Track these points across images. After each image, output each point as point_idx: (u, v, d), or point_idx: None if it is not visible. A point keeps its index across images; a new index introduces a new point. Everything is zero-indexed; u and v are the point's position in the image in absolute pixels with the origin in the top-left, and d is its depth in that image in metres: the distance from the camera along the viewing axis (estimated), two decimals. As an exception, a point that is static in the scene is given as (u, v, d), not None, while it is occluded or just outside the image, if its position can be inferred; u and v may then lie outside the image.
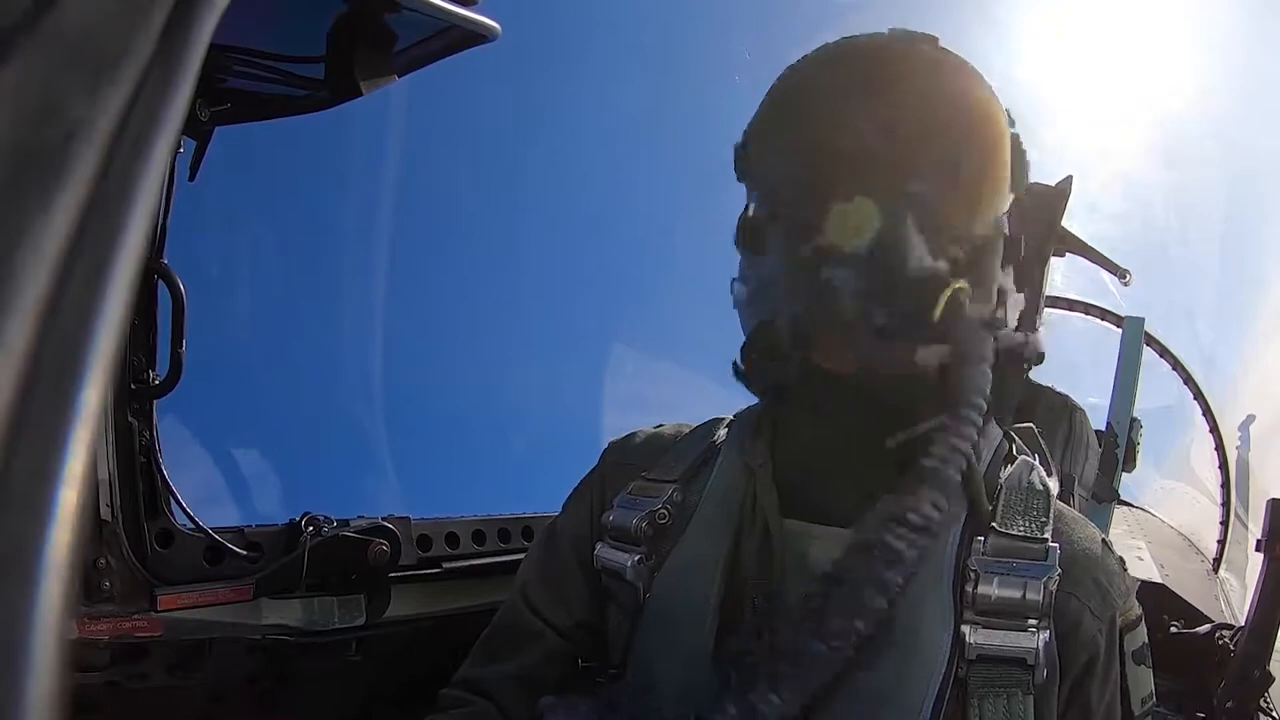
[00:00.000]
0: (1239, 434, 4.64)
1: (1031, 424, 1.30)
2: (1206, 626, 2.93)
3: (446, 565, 1.64)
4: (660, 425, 1.27)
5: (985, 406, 0.91)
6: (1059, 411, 1.65)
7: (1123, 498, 3.15)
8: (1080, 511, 1.43)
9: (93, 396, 0.30)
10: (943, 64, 1.01)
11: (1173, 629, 2.95)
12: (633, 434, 1.27)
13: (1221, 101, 6.49)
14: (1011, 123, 1.03)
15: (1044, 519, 1.01)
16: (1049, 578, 0.96)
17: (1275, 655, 2.49)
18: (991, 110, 1.02)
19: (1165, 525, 4.06)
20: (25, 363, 0.29)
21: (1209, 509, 4.34)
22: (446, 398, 3.43)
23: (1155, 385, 3.77)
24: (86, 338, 0.31)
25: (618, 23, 3.89)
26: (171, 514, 1.35)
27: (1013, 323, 1.06)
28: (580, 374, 3.84)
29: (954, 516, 1.02)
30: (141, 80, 0.34)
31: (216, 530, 1.40)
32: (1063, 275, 2.88)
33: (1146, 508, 4.11)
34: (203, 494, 1.64)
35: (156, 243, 1.28)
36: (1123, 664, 1.04)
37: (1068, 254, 1.85)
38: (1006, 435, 1.16)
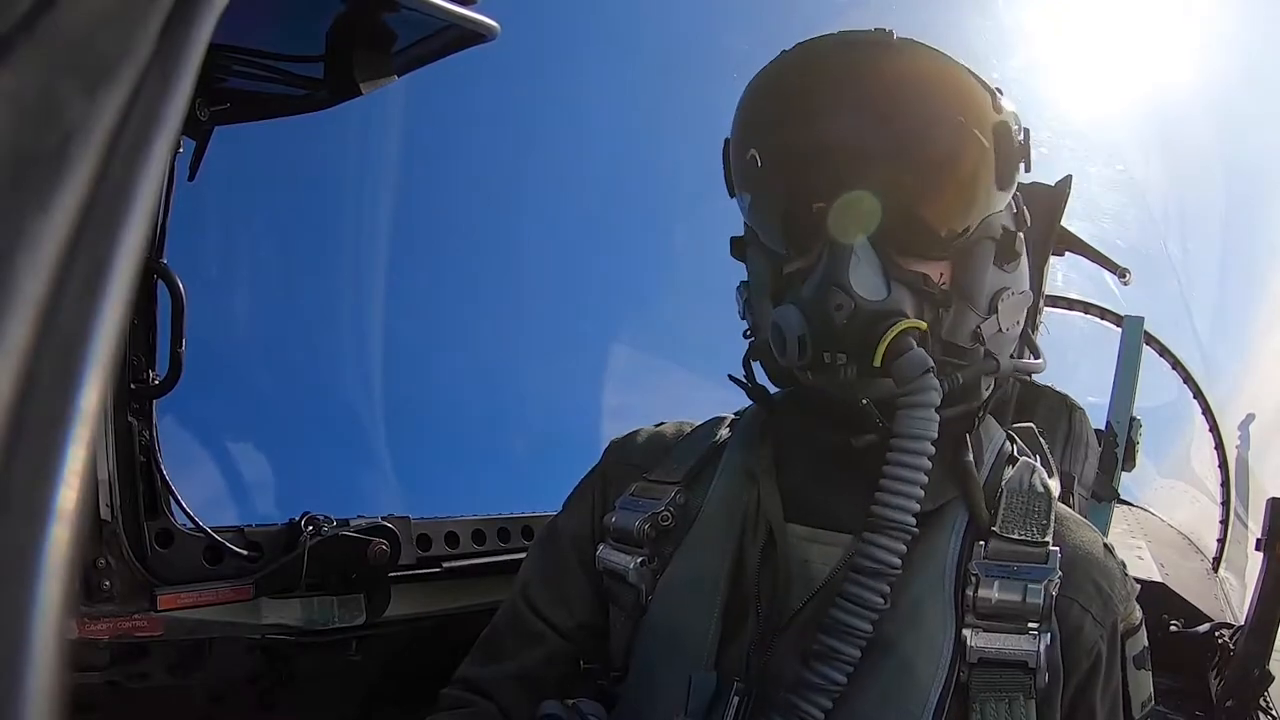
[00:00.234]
0: (1239, 433, 4.64)
1: (1031, 424, 1.30)
2: (1206, 625, 2.94)
3: (446, 565, 1.64)
4: (661, 424, 1.27)
5: (930, 441, 0.91)
6: (1059, 411, 1.65)
7: (1123, 497, 3.16)
8: (1080, 511, 1.43)
9: (92, 396, 0.30)
10: (896, 63, 0.94)
11: (1172, 628, 2.96)
12: (634, 433, 1.27)
13: (1223, 101, 6.50)
14: (998, 110, 0.98)
15: (1045, 522, 1.01)
16: (1049, 580, 0.95)
17: (1275, 654, 2.49)
18: (963, 103, 0.96)
19: (1165, 524, 4.06)
20: (25, 363, 0.29)
21: (1209, 508, 4.34)
22: (446, 397, 3.42)
23: (1155, 384, 3.78)
24: (86, 338, 0.31)
25: (618, 22, 3.89)
26: (171, 514, 1.35)
27: (1013, 323, 1.06)
28: (580, 374, 3.85)
29: (955, 521, 1.02)
30: (140, 80, 0.34)
31: (216, 530, 1.40)
32: (1063, 275, 2.88)
33: (1146, 507, 4.12)
34: (202, 494, 1.64)
35: (156, 243, 1.28)
36: (1124, 669, 1.03)
37: (1068, 254, 1.85)
38: (1008, 436, 1.15)
